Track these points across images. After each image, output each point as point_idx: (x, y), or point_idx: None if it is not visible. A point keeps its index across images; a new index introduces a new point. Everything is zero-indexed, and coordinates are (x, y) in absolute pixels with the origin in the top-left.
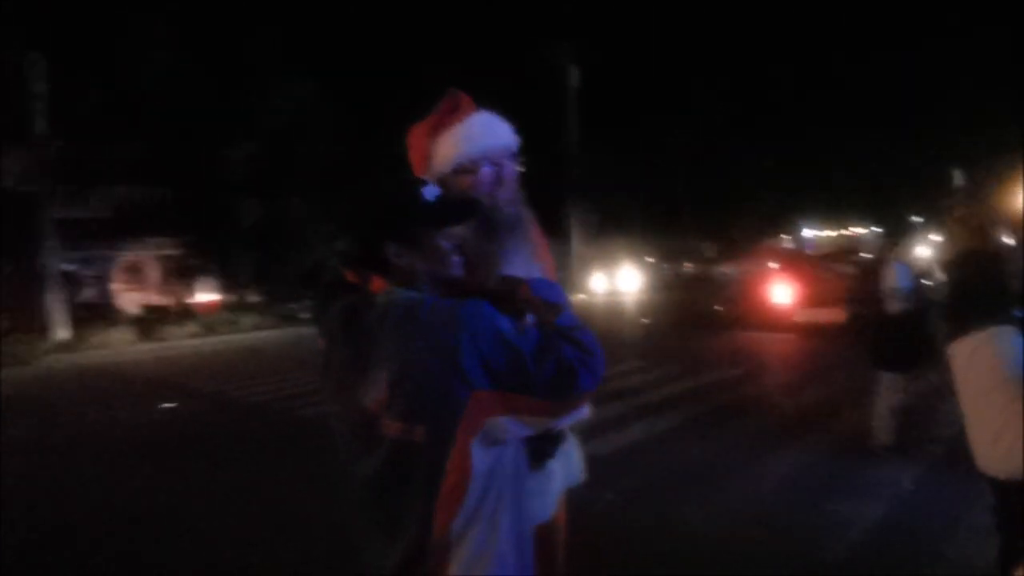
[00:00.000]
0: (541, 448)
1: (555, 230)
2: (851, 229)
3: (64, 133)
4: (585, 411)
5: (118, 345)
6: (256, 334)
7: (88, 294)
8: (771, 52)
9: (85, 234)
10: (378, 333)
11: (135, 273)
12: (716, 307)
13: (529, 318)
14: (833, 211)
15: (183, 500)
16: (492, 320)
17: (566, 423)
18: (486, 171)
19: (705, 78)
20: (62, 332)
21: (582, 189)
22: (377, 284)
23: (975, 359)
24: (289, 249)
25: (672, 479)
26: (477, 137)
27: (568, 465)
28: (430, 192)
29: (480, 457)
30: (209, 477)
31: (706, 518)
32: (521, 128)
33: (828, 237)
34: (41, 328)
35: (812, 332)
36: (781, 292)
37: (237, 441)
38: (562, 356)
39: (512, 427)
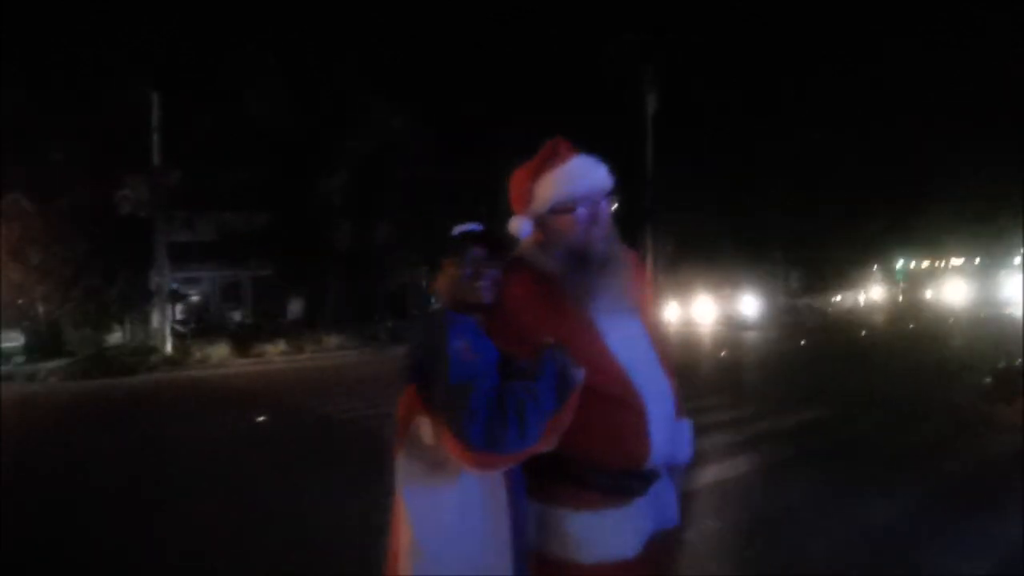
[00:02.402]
0: (626, 484)
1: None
2: (951, 260)
3: (177, 163)
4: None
5: (216, 360)
6: (341, 353)
7: (191, 311)
8: (875, 69)
9: (190, 256)
10: None
11: (233, 292)
12: (802, 342)
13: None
14: (933, 241)
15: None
16: (449, 331)
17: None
18: (582, 211)
19: (798, 98)
20: (166, 346)
21: (657, 216)
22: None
23: None
24: (376, 273)
25: (750, 524)
26: (575, 179)
27: (661, 506)
28: (473, 227)
29: (408, 470)
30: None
31: (786, 566)
32: (599, 154)
33: (920, 268)
34: (148, 342)
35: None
36: None
37: (329, 457)
38: (486, 405)
39: (427, 432)
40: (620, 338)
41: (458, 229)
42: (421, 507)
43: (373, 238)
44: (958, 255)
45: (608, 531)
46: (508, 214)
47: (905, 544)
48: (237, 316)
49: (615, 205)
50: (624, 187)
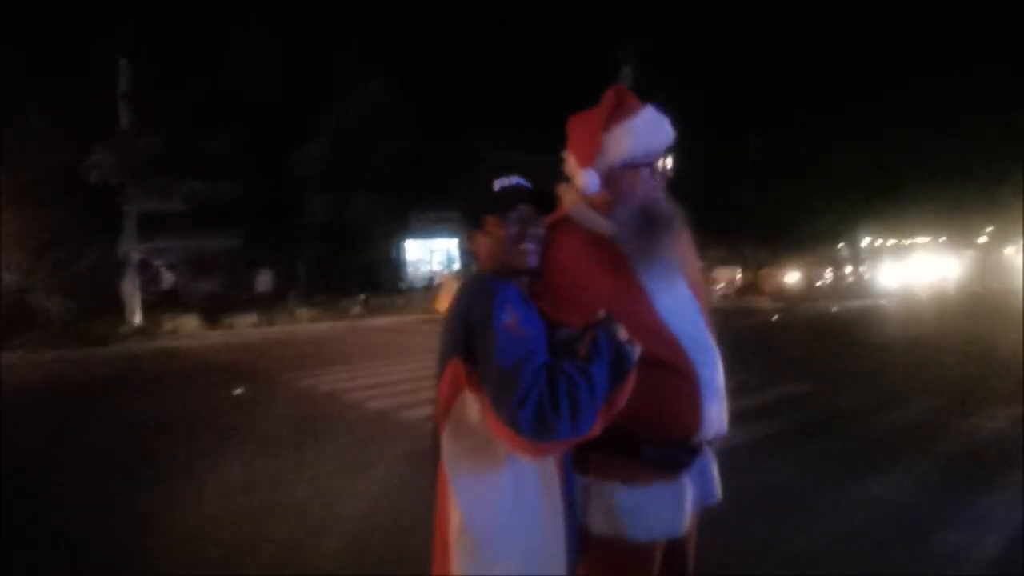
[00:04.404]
0: (676, 457)
1: None
2: (917, 239)
3: (149, 131)
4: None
5: (187, 331)
6: (313, 326)
7: (160, 282)
8: (851, 45)
9: (159, 225)
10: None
11: (202, 263)
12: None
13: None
14: (900, 220)
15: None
16: (495, 301)
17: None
18: (654, 167)
19: (775, 75)
20: (136, 317)
21: None
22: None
23: None
24: (351, 246)
25: (756, 498)
26: (652, 132)
27: (704, 481)
28: (515, 180)
29: (451, 445)
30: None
31: (802, 539)
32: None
33: (884, 246)
34: (117, 312)
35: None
36: None
37: (314, 430)
38: (536, 387)
39: (473, 411)
40: (670, 302)
41: (500, 183)
42: (470, 490)
43: (348, 210)
44: (924, 234)
45: (659, 506)
46: (487, 189)
47: (904, 521)
48: (206, 287)
49: (671, 164)
50: None
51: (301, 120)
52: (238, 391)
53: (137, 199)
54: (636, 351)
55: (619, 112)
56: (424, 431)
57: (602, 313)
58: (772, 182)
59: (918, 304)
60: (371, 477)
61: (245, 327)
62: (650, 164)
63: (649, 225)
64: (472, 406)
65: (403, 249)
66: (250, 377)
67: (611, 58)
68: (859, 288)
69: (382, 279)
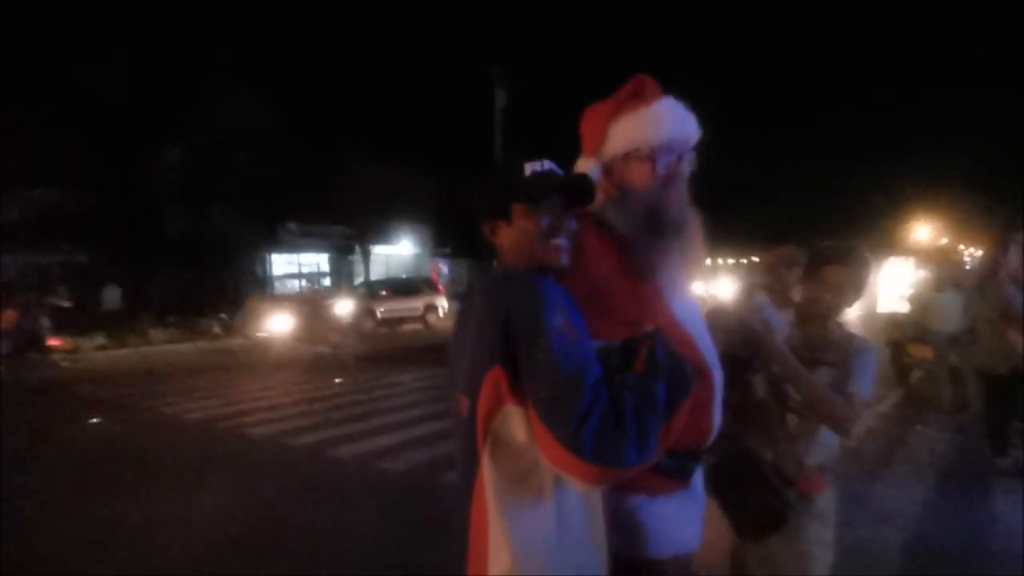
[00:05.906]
0: (687, 464)
1: (475, 250)
2: (751, 259)
3: None
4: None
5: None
6: (171, 347)
7: None
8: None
9: None
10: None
11: (42, 280)
12: None
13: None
14: (737, 240)
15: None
16: (544, 301)
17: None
18: (661, 162)
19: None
20: None
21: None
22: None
23: None
24: (210, 261)
25: None
26: (660, 124)
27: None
28: (545, 167)
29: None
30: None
31: None
32: (450, 147)
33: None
34: None
35: None
36: None
37: (190, 463)
38: (597, 402)
39: (518, 429)
40: (680, 305)
41: (532, 167)
42: (521, 523)
43: (207, 223)
44: (758, 253)
45: (683, 519)
46: (517, 172)
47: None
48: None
49: (694, 164)
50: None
51: (157, 127)
52: (94, 420)
53: None
54: (689, 366)
55: (632, 100)
56: (320, 458)
57: (650, 326)
58: None
59: None
60: (235, 511)
61: (90, 350)
62: (655, 159)
63: (656, 227)
64: (516, 423)
65: (269, 263)
66: (104, 405)
67: (484, 78)
68: None
69: (246, 296)
